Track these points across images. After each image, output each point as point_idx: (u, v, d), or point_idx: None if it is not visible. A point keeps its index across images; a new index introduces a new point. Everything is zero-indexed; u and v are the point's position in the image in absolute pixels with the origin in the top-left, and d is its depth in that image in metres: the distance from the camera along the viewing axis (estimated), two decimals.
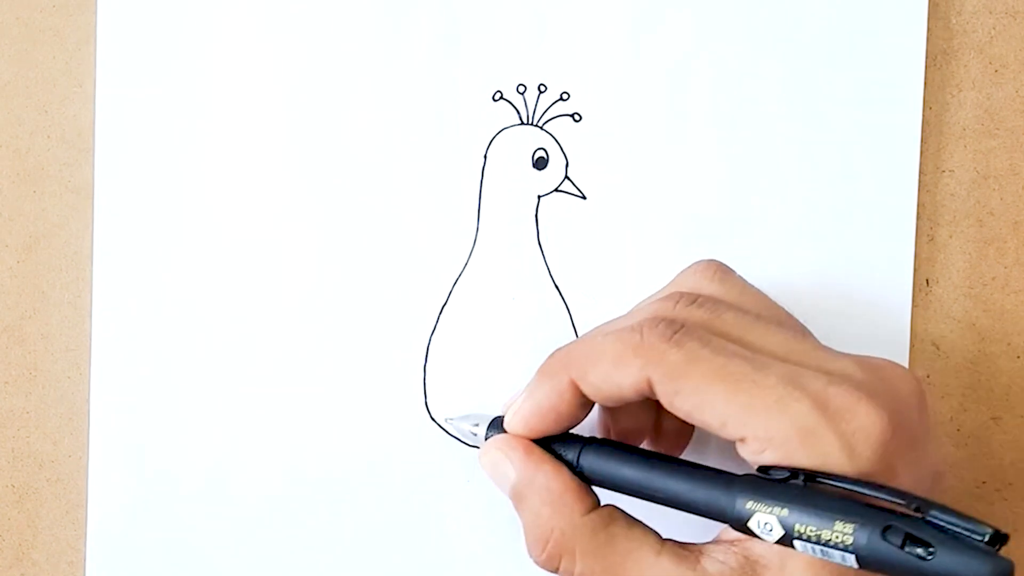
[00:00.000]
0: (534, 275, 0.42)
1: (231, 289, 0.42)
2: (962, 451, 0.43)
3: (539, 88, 0.42)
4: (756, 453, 0.33)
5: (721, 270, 0.38)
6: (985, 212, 0.43)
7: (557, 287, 0.42)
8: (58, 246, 0.42)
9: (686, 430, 0.40)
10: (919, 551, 0.30)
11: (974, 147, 0.43)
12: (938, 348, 0.43)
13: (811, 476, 0.32)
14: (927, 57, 0.42)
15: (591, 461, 0.36)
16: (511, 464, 0.37)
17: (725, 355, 0.33)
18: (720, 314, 0.35)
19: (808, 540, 0.31)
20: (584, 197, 0.42)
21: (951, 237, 0.43)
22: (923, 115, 0.42)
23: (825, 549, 0.31)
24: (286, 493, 0.42)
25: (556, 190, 0.42)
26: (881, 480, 0.32)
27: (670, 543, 0.35)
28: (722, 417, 0.33)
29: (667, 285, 0.38)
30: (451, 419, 0.41)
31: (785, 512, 0.31)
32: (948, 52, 0.43)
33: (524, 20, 0.42)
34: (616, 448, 0.36)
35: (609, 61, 0.42)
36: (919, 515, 0.30)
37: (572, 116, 0.42)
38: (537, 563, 0.36)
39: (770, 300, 0.37)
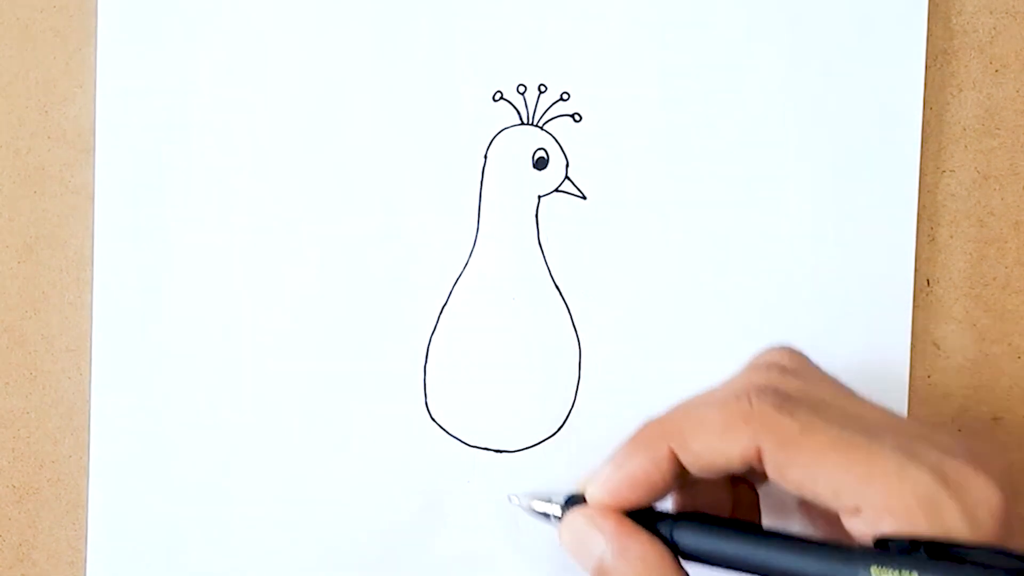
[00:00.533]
0: (534, 275, 0.42)
1: (231, 289, 0.42)
2: None
3: (539, 88, 0.42)
4: (872, 524, 0.32)
5: (796, 351, 0.36)
6: (986, 212, 0.43)
7: (557, 287, 0.42)
8: (58, 246, 0.42)
9: (756, 505, 0.39)
10: None
11: (974, 147, 0.43)
12: (939, 348, 0.43)
13: (933, 546, 0.31)
14: (927, 57, 0.42)
15: (687, 535, 0.34)
16: (601, 534, 0.35)
17: (839, 424, 0.32)
18: (818, 384, 0.34)
19: None
20: (584, 197, 0.42)
21: (952, 237, 0.43)
22: (923, 115, 0.42)
23: None
24: (286, 493, 0.42)
25: (556, 190, 0.42)
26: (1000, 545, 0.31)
27: None
28: (837, 487, 0.32)
29: (745, 366, 0.37)
30: (516, 497, 0.39)
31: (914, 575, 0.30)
32: (948, 52, 0.43)
33: (524, 20, 0.42)
34: (711, 521, 0.35)
35: (609, 61, 0.42)
36: None
37: (572, 116, 0.42)
38: None
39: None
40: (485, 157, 0.42)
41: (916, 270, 0.42)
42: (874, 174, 0.42)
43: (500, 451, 0.42)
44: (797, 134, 0.42)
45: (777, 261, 0.42)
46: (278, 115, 0.42)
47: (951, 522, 0.31)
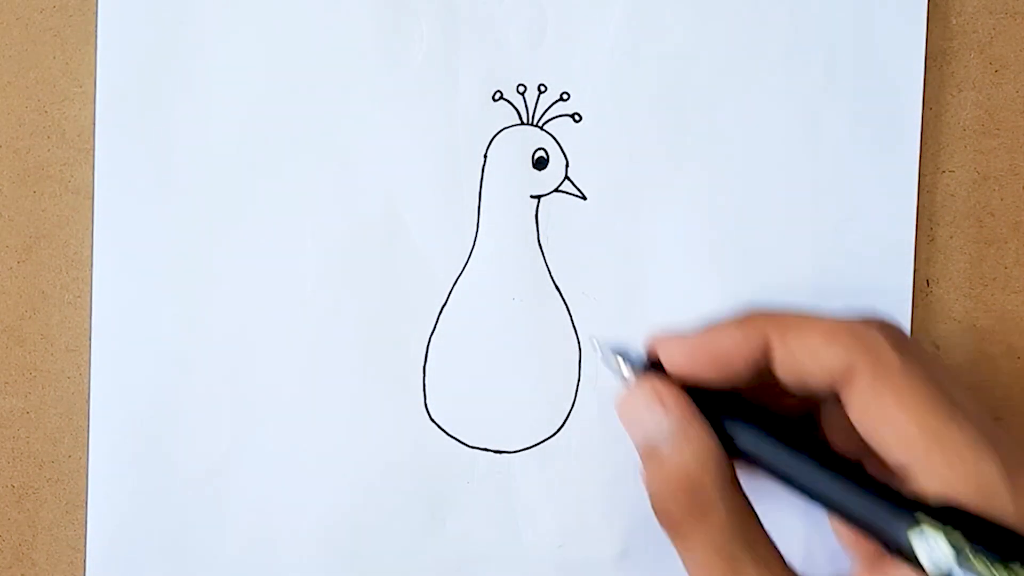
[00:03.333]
0: (534, 275, 0.42)
1: (231, 289, 0.42)
2: None
3: (539, 88, 0.42)
4: (923, 486, 0.32)
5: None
6: (985, 212, 0.43)
7: (557, 287, 0.42)
8: (58, 246, 0.42)
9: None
10: None
11: (974, 147, 0.43)
12: (938, 348, 0.43)
13: (997, 525, 0.30)
14: (927, 57, 0.42)
15: (742, 430, 0.34)
16: (664, 413, 0.34)
17: (937, 382, 0.32)
18: (927, 352, 0.34)
19: (975, 572, 0.30)
20: (584, 197, 0.42)
21: (951, 237, 0.43)
22: (923, 115, 0.42)
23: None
24: (286, 493, 0.42)
25: (556, 190, 0.42)
26: None
27: (791, 569, 0.33)
28: (908, 438, 0.31)
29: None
30: (595, 340, 0.38)
31: (960, 540, 0.30)
32: (948, 52, 0.43)
33: (524, 20, 0.42)
34: (773, 428, 0.34)
35: (609, 61, 0.42)
36: None
37: (572, 116, 0.42)
38: (662, 518, 0.34)
39: None
40: (485, 157, 0.42)
41: (915, 270, 0.42)
42: (873, 174, 0.42)
43: (500, 451, 0.42)
44: (797, 134, 0.42)
45: (777, 261, 0.42)
46: (278, 115, 0.42)
47: (999, 514, 0.31)
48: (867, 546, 0.37)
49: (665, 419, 0.34)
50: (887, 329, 0.33)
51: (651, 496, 0.34)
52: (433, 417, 0.42)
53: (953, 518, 0.31)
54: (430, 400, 0.42)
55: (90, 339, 0.42)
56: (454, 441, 0.42)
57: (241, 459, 0.42)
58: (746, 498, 0.34)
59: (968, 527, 0.30)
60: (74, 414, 0.42)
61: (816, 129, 0.42)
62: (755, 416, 0.34)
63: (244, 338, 0.42)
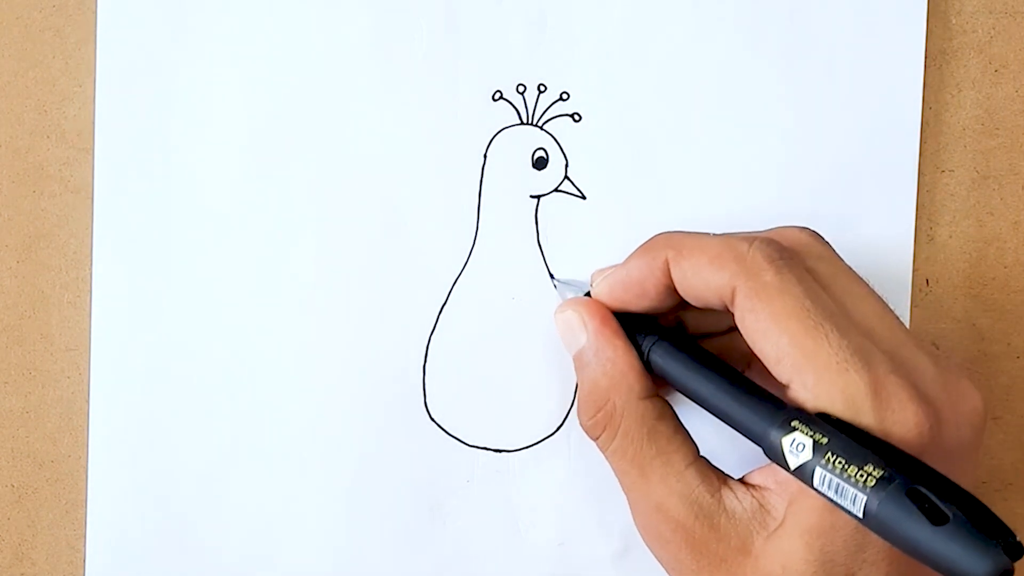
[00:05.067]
0: (534, 275, 0.42)
1: (231, 289, 0.42)
2: None
3: (539, 88, 0.42)
4: (794, 400, 0.33)
5: (820, 236, 0.38)
6: (985, 212, 0.43)
7: (557, 287, 0.42)
8: (58, 246, 0.42)
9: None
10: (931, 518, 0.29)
11: (974, 147, 0.43)
12: (938, 348, 0.43)
13: (860, 431, 0.32)
14: (927, 57, 0.42)
15: (660, 352, 0.37)
16: (584, 328, 0.38)
17: (812, 299, 0.33)
18: (824, 263, 0.36)
19: (830, 471, 0.31)
20: (584, 197, 0.42)
21: (951, 237, 0.43)
22: (922, 115, 0.42)
23: (841, 485, 0.31)
24: (286, 493, 0.42)
25: (556, 190, 0.42)
26: None
27: (703, 461, 0.36)
28: (780, 354, 0.33)
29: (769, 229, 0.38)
30: (557, 280, 0.42)
31: (823, 440, 0.32)
32: (948, 52, 0.43)
33: (524, 20, 0.42)
34: (688, 349, 0.37)
35: (609, 61, 0.42)
36: (951, 489, 0.30)
37: (572, 116, 0.42)
38: (582, 426, 0.38)
39: (861, 276, 0.37)
40: (484, 157, 0.42)
41: (915, 270, 0.42)
42: (873, 173, 0.42)
43: (500, 451, 0.42)
44: (796, 134, 0.42)
45: None
46: (278, 115, 0.42)
47: (863, 425, 0.32)
48: None
49: (583, 335, 0.38)
50: (770, 247, 0.35)
51: (577, 408, 0.38)
52: (433, 417, 0.42)
53: (823, 425, 0.32)
54: (430, 400, 0.42)
55: (90, 339, 0.42)
56: (454, 441, 0.42)
57: (241, 459, 0.42)
58: (661, 406, 0.37)
59: (836, 434, 0.32)
60: (74, 414, 0.42)
61: (816, 129, 0.42)
62: (668, 336, 0.37)
63: (244, 338, 0.42)
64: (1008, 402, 0.43)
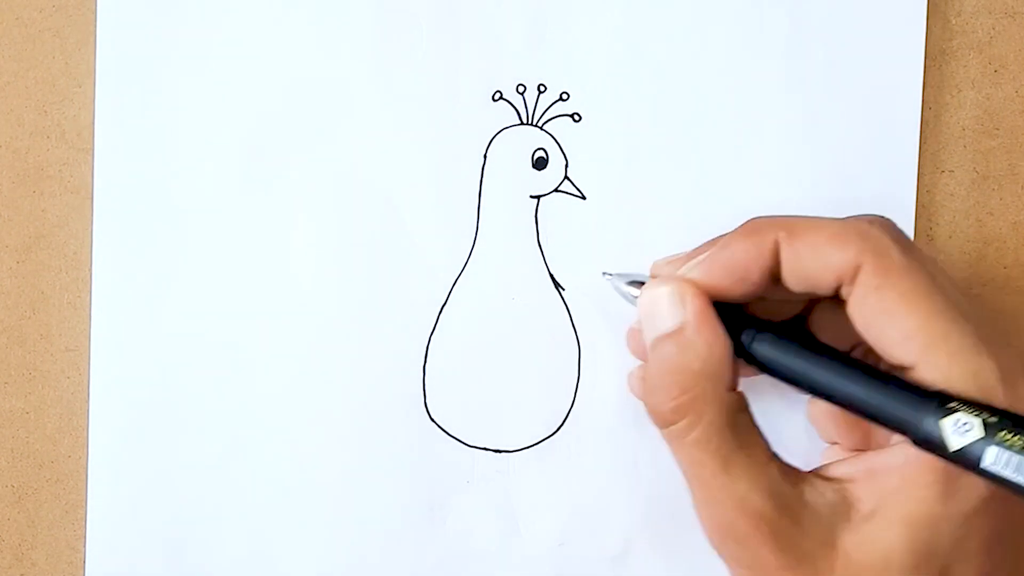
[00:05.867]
0: (534, 275, 0.42)
1: (231, 289, 0.42)
2: None
3: (539, 88, 0.42)
4: (923, 382, 0.32)
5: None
6: (984, 212, 0.43)
7: (557, 287, 0.42)
8: (58, 246, 0.42)
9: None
10: None
11: (973, 147, 0.43)
12: None
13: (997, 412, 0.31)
14: (927, 57, 0.42)
15: (768, 344, 0.35)
16: (684, 307, 0.35)
17: (939, 280, 0.33)
18: (926, 255, 0.35)
19: (1007, 447, 0.31)
20: (584, 197, 0.42)
21: (950, 237, 0.43)
22: (922, 115, 0.42)
23: (1022, 461, 0.31)
24: (286, 493, 0.42)
25: (556, 190, 0.42)
26: None
27: (778, 457, 0.35)
28: (909, 334, 0.32)
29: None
30: (609, 274, 0.40)
31: (991, 418, 0.31)
32: (948, 52, 0.43)
33: (524, 20, 0.42)
34: (789, 336, 0.35)
35: (609, 61, 0.42)
36: None
37: (572, 116, 0.42)
38: (656, 410, 0.35)
39: None
40: (484, 157, 0.42)
41: None
42: (873, 174, 0.42)
43: (500, 451, 0.42)
44: (796, 133, 0.42)
45: None
46: (278, 115, 0.42)
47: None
48: (850, 436, 0.38)
49: (680, 314, 0.35)
50: (891, 228, 0.34)
51: (648, 391, 0.35)
52: (433, 417, 0.42)
53: (982, 405, 0.31)
54: (430, 400, 0.42)
55: (90, 339, 0.42)
56: (454, 441, 0.42)
57: (240, 459, 0.42)
58: (744, 400, 0.35)
59: (1003, 412, 0.31)
60: (74, 414, 0.42)
61: (816, 129, 0.42)
62: (764, 325, 0.35)
63: (243, 338, 0.42)
64: None
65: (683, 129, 0.42)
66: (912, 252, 0.33)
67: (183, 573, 0.42)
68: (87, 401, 0.42)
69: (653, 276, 0.37)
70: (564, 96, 0.42)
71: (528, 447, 0.42)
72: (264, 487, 0.42)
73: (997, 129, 0.43)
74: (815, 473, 0.35)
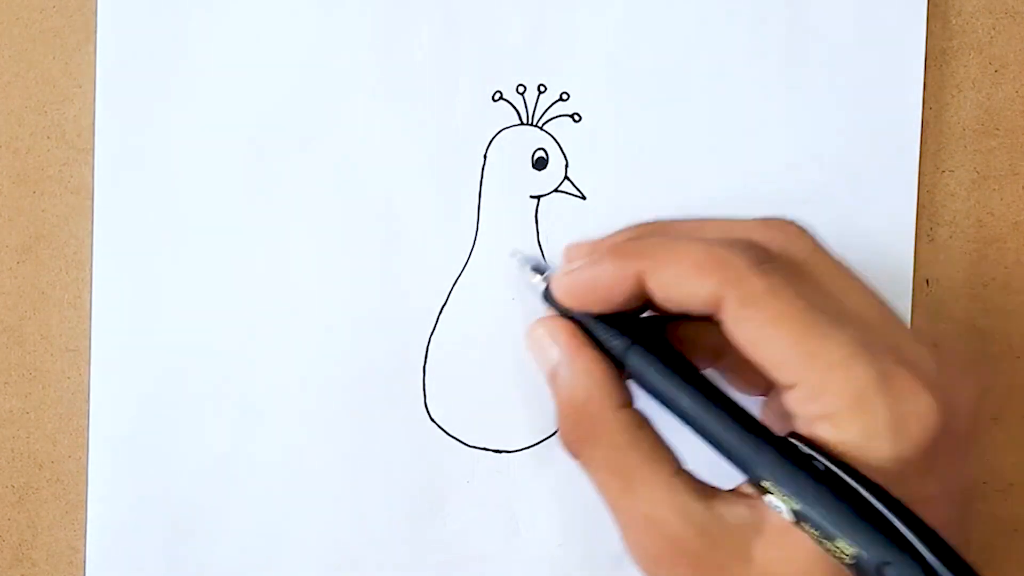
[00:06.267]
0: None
1: (231, 289, 0.42)
2: None
3: (539, 88, 0.42)
4: (802, 403, 0.32)
5: (807, 229, 0.36)
6: (985, 212, 0.43)
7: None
8: (58, 246, 0.42)
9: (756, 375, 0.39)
10: None
11: (974, 147, 0.43)
12: (938, 348, 0.43)
13: (846, 470, 0.31)
14: (927, 57, 0.42)
15: (638, 361, 0.35)
16: (555, 345, 0.36)
17: (805, 299, 0.32)
18: (814, 259, 0.34)
19: (811, 536, 0.31)
20: (584, 197, 0.42)
21: (951, 237, 0.43)
22: (923, 115, 0.42)
23: (826, 546, 0.31)
24: (286, 493, 0.42)
25: (556, 190, 0.42)
26: (920, 468, 0.31)
27: (687, 472, 0.34)
28: (782, 358, 0.32)
29: (754, 218, 0.36)
30: (515, 254, 0.40)
31: (798, 508, 0.31)
32: (948, 52, 0.43)
33: (524, 20, 0.42)
34: (667, 355, 0.35)
35: (609, 61, 0.42)
36: (919, 565, 0.30)
37: (572, 116, 0.42)
38: (563, 445, 0.36)
39: (855, 270, 0.36)
40: (484, 157, 0.42)
41: (915, 270, 0.42)
42: (873, 174, 0.42)
43: (500, 451, 0.42)
44: (797, 134, 0.42)
45: None
46: (277, 115, 0.42)
47: (876, 424, 0.31)
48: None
49: (555, 352, 0.36)
50: (753, 250, 0.33)
51: (558, 431, 0.36)
52: (433, 417, 0.42)
53: (802, 479, 0.31)
54: (430, 400, 0.42)
55: (90, 339, 0.42)
56: (454, 441, 0.42)
57: (240, 460, 0.42)
58: (640, 416, 0.35)
59: (813, 500, 0.31)
60: (74, 414, 0.42)
61: (816, 129, 0.42)
62: (643, 338, 0.35)
63: (243, 338, 0.42)
64: (1008, 402, 0.43)
65: (683, 129, 0.42)
66: (773, 273, 0.33)
67: (183, 573, 0.42)
68: (87, 401, 0.42)
69: (567, 260, 0.37)
70: (564, 96, 0.42)
71: (528, 447, 0.42)
72: (264, 487, 0.42)
73: (997, 129, 0.43)
74: (736, 490, 0.34)
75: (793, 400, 0.32)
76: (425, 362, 0.42)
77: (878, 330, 0.33)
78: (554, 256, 0.42)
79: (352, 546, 0.42)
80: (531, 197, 0.42)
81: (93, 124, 0.41)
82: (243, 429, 0.42)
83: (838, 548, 0.30)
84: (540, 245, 0.42)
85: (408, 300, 0.42)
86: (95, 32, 0.41)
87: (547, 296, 0.37)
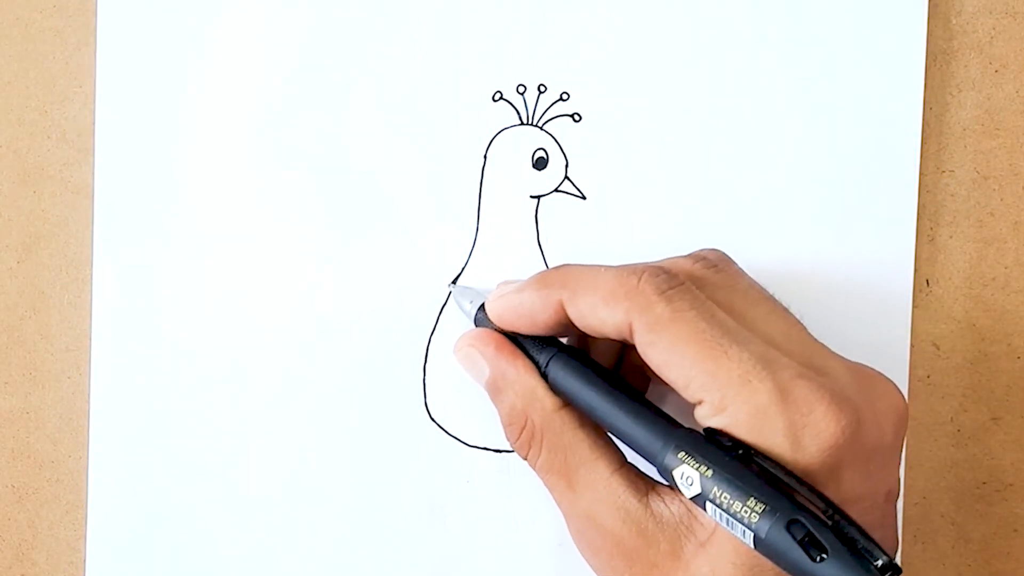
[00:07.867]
0: None
1: (231, 289, 0.42)
2: (962, 451, 0.43)
3: (539, 88, 0.42)
4: (706, 418, 0.34)
5: (722, 252, 0.38)
6: (985, 212, 0.43)
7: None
8: (58, 246, 0.42)
9: (646, 376, 0.40)
10: (812, 552, 0.30)
11: (974, 147, 0.43)
12: (938, 348, 0.43)
13: (752, 453, 0.32)
14: (927, 57, 0.42)
15: (557, 371, 0.37)
16: (484, 359, 0.38)
17: (707, 320, 0.34)
18: (724, 282, 0.36)
19: (719, 506, 0.32)
20: (584, 197, 0.42)
21: (951, 237, 0.43)
22: (923, 115, 0.42)
23: (731, 519, 0.32)
24: (286, 493, 0.42)
25: (556, 190, 0.42)
26: (820, 480, 0.32)
27: (630, 467, 0.36)
28: (687, 378, 0.33)
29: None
30: (453, 286, 0.42)
31: (709, 473, 0.32)
32: (948, 52, 0.43)
33: (524, 20, 0.42)
34: (584, 365, 0.37)
35: (609, 61, 0.42)
36: (828, 522, 0.31)
37: (572, 116, 0.42)
38: (512, 445, 0.38)
39: (768, 293, 0.38)
40: (485, 157, 0.42)
41: (915, 270, 0.42)
42: (874, 174, 0.42)
43: (500, 451, 0.42)
44: (797, 134, 0.42)
45: (777, 261, 0.42)
46: (277, 115, 0.42)
47: (773, 437, 0.32)
48: None
49: (486, 367, 0.38)
50: (659, 277, 0.35)
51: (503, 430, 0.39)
52: (433, 417, 0.42)
53: (713, 452, 0.33)
54: (430, 400, 0.42)
55: (90, 339, 0.42)
56: (454, 441, 0.42)
57: (240, 460, 0.42)
58: (579, 416, 0.37)
59: (722, 464, 0.32)
60: (74, 414, 0.42)
61: (816, 129, 0.42)
62: (565, 348, 0.38)
63: (243, 338, 0.42)
64: (1008, 402, 0.43)
65: (683, 129, 0.42)
66: (677, 298, 0.34)
67: (183, 573, 0.42)
68: (87, 401, 0.42)
69: (498, 294, 0.39)
70: (564, 96, 0.42)
71: None
72: (264, 487, 0.42)
73: (998, 129, 0.43)
74: (670, 485, 0.35)
75: (700, 415, 0.34)
76: (425, 362, 0.42)
77: (783, 346, 0.34)
78: (554, 256, 0.42)
79: (352, 546, 0.42)
80: (531, 197, 0.42)
81: (93, 124, 0.41)
82: (242, 428, 0.42)
83: (746, 509, 0.31)
84: (540, 245, 0.42)
85: (408, 300, 0.42)
86: (95, 32, 0.41)
87: (478, 322, 0.39)
